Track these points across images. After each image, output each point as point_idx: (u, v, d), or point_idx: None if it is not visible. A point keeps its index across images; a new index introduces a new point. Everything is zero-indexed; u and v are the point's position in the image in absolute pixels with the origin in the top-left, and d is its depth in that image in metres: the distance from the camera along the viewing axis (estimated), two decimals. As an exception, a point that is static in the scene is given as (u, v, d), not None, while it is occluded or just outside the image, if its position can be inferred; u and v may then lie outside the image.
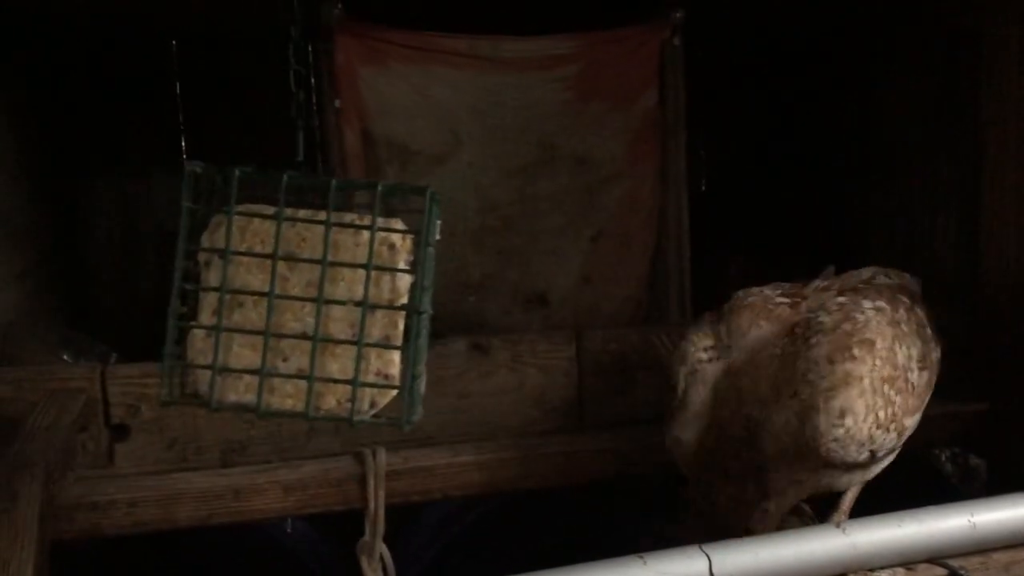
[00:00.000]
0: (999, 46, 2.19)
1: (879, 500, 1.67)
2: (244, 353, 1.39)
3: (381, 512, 1.88)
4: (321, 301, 1.35)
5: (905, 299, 1.77)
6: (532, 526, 2.39)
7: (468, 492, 2.06)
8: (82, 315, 2.92)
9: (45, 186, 2.73)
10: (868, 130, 2.90)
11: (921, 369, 1.68)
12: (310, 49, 2.65)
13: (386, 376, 1.36)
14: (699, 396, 1.65)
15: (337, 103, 2.38)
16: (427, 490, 2.01)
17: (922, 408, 1.69)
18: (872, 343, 1.59)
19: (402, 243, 1.36)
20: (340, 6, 2.28)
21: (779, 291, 1.75)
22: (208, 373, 1.40)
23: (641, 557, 1.39)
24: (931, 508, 1.55)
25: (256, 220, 1.38)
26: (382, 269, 1.35)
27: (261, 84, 3.16)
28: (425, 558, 2.40)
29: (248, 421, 2.06)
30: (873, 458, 1.60)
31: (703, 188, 3.45)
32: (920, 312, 1.78)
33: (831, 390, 1.53)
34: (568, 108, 2.56)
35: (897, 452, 1.69)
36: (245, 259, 1.38)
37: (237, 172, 1.37)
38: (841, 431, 1.52)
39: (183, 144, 3.18)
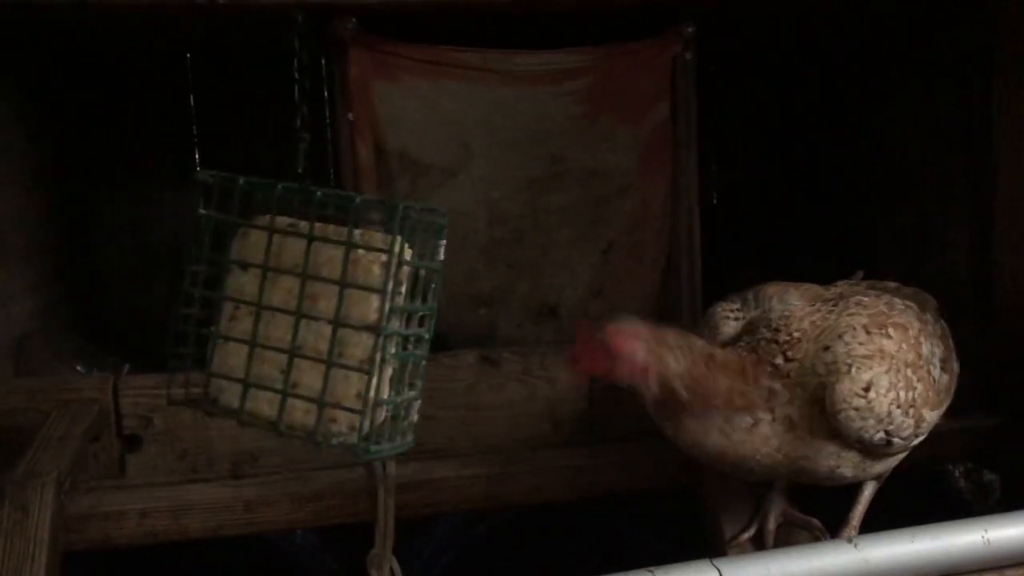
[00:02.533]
0: (1011, 62, 2.19)
1: (891, 515, 1.66)
2: (235, 359, 1.39)
3: (391, 524, 1.87)
4: (299, 315, 1.33)
5: (932, 310, 1.83)
6: (541, 539, 2.38)
7: (477, 505, 2.06)
8: (95, 326, 2.94)
9: (59, 199, 2.75)
10: (880, 144, 2.90)
11: (943, 370, 1.71)
12: (323, 63, 2.67)
13: (364, 400, 1.30)
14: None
15: (350, 116, 2.39)
16: (437, 503, 2.01)
17: (940, 408, 1.70)
18: (905, 328, 1.64)
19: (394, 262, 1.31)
20: (354, 20, 2.29)
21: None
22: (220, 380, 1.40)
23: (651, 571, 1.38)
24: (944, 524, 1.54)
25: (268, 232, 1.37)
26: (354, 287, 1.30)
27: (274, 98, 3.19)
28: (435, 571, 2.40)
29: (258, 432, 2.06)
30: (889, 443, 1.59)
31: (714, 201, 3.46)
32: (944, 324, 1.83)
33: (864, 359, 1.55)
34: (579, 121, 2.56)
35: (908, 450, 1.69)
36: (255, 270, 1.38)
37: (241, 181, 1.37)
38: (863, 401, 1.53)
39: (197, 157, 3.20)
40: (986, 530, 1.52)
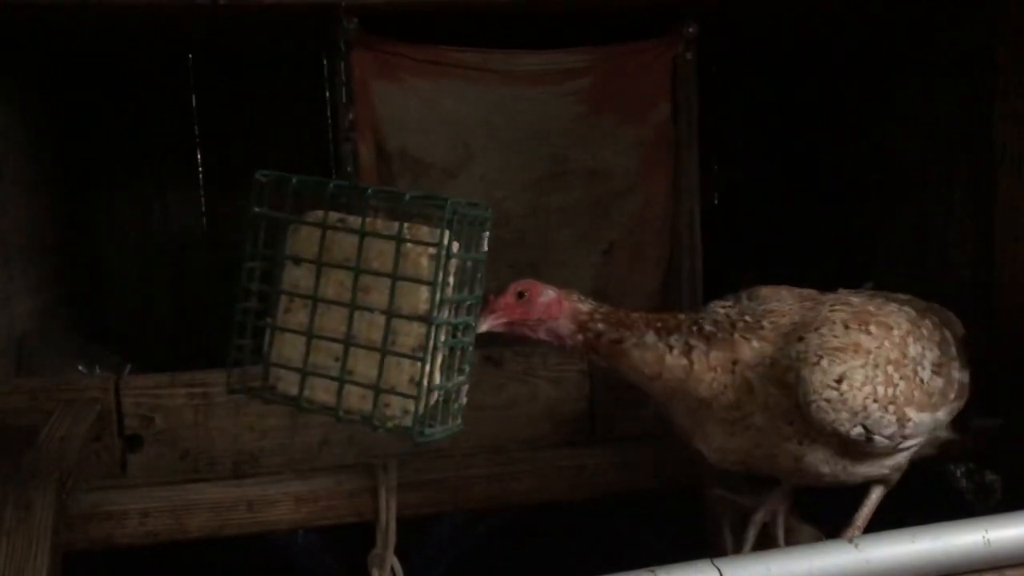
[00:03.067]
0: (1012, 63, 2.19)
1: (893, 515, 1.66)
2: (291, 349, 1.44)
3: (392, 524, 1.88)
4: (353, 307, 1.39)
5: (935, 318, 1.81)
6: (543, 539, 2.38)
7: (479, 505, 2.06)
8: (97, 326, 2.94)
9: (62, 199, 2.75)
10: (881, 145, 2.90)
11: (935, 374, 1.70)
12: (324, 63, 2.68)
13: (418, 385, 1.37)
14: None
15: (351, 116, 2.40)
16: (438, 502, 2.01)
17: (933, 411, 1.69)
18: (889, 327, 1.64)
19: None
20: (355, 21, 2.30)
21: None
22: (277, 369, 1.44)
23: (652, 571, 1.38)
24: (945, 524, 1.53)
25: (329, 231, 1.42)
26: (405, 279, 1.37)
27: (275, 98, 3.20)
28: (436, 570, 2.40)
29: (260, 432, 2.07)
30: (869, 440, 1.59)
31: (715, 201, 3.46)
32: (947, 333, 1.81)
33: (836, 351, 1.56)
34: (581, 121, 2.57)
35: (906, 450, 1.68)
36: (308, 264, 1.43)
37: (294, 180, 1.42)
38: (835, 393, 1.54)
39: (199, 158, 3.20)
40: (987, 530, 1.51)
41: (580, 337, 1.63)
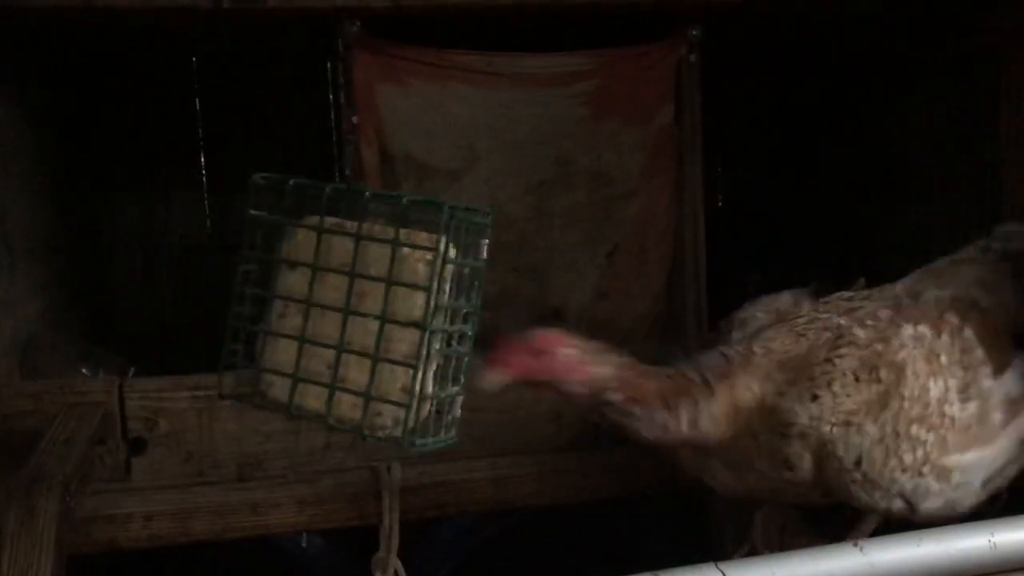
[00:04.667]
0: (1016, 65, 2.18)
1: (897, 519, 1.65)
2: (284, 355, 1.43)
3: (396, 527, 1.88)
4: (347, 312, 1.37)
5: (955, 319, 1.64)
6: (546, 542, 2.38)
7: (483, 508, 2.06)
8: (102, 329, 2.95)
9: (67, 201, 2.76)
10: (886, 147, 2.89)
11: (964, 400, 1.56)
12: (328, 66, 2.68)
13: (410, 394, 1.35)
14: None
15: (354, 119, 2.40)
16: (442, 505, 2.01)
17: (980, 445, 1.55)
18: (902, 370, 1.51)
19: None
20: (358, 23, 2.30)
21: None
22: (269, 375, 1.43)
23: (655, 574, 1.38)
24: (950, 527, 1.52)
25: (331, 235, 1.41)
26: (400, 284, 1.35)
27: (280, 101, 3.20)
28: (439, 573, 2.40)
29: (264, 435, 2.07)
30: (912, 509, 1.50)
31: (720, 204, 3.45)
32: (969, 332, 1.63)
33: (852, 415, 1.47)
34: (584, 124, 2.56)
35: (972, 497, 1.57)
36: (304, 268, 1.42)
37: (291, 183, 1.41)
38: (858, 475, 1.48)
39: (203, 160, 3.21)
40: (992, 534, 1.50)
41: (587, 402, 1.52)
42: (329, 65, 2.67)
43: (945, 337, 1.60)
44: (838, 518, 1.73)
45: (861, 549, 1.48)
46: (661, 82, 2.55)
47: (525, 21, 2.43)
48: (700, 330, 2.58)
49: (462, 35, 2.44)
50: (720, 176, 3.40)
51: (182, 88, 3.15)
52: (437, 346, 1.37)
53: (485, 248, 1.42)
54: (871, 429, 1.47)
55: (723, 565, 1.41)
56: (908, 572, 1.48)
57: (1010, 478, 1.63)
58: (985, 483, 1.59)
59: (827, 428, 1.46)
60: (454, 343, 1.41)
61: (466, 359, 1.42)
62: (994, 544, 1.49)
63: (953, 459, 1.53)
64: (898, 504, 1.51)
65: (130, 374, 2.31)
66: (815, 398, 1.48)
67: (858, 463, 1.47)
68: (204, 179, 3.20)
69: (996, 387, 1.61)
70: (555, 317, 2.64)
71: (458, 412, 1.44)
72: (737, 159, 3.44)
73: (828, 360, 1.51)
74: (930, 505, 1.53)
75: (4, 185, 2.23)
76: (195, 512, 1.90)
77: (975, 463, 1.56)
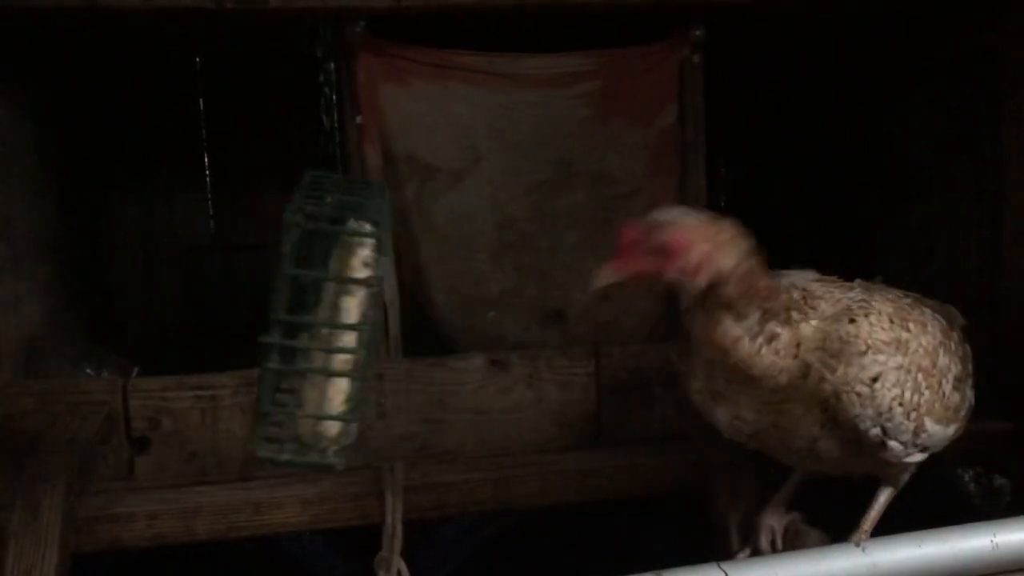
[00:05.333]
0: (1017, 65, 2.18)
1: (900, 520, 1.65)
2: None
3: (399, 527, 1.88)
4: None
5: (959, 333, 1.81)
6: (549, 542, 2.38)
7: (485, 508, 2.06)
8: (105, 329, 2.95)
9: (70, 202, 2.76)
10: (888, 146, 2.89)
11: (956, 389, 1.70)
12: (332, 67, 2.68)
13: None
14: None
15: (358, 120, 2.40)
16: (444, 505, 2.01)
17: (946, 427, 1.67)
18: (925, 326, 1.65)
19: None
20: (362, 24, 2.30)
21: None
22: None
23: (658, 574, 1.38)
24: (953, 528, 1.53)
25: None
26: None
27: (283, 101, 3.20)
28: (441, 573, 2.40)
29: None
30: (883, 444, 1.57)
31: (722, 205, 3.45)
32: (968, 349, 1.82)
33: (883, 344, 1.55)
34: (587, 125, 2.56)
35: (910, 462, 1.66)
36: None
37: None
38: (867, 389, 1.53)
39: (206, 161, 3.21)
40: (995, 534, 1.51)
41: (697, 294, 1.50)
42: (332, 66, 2.68)
43: (955, 334, 1.77)
44: (841, 521, 1.73)
45: (863, 549, 1.49)
46: (664, 82, 2.55)
47: (526, 21, 2.43)
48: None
49: (464, 36, 2.44)
50: (722, 177, 3.40)
51: (184, 88, 3.15)
52: (272, 360, 1.36)
53: (358, 260, 1.37)
54: (893, 360, 1.56)
55: (726, 565, 1.41)
56: (910, 572, 1.48)
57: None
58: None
59: (862, 345, 1.54)
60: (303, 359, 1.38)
61: (344, 381, 1.40)
62: (996, 544, 1.50)
63: (930, 423, 1.62)
64: (875, 432, 1.56)
65: (133, 374, 2.31)
66: (852, 321, 1.56)
67: (874, 379, 1.54)
68: (207, 179, 3.20)
69: (971, 399, 1.77)
70: (557, 318, 2.64)
71: (346, 441, 1.43)
72: (739, 160, 3.44)
73: (865, 301, 1.61)
74: (894, 447, 1.59)
75: (6, 186, 2.23)
76: (198, 511, 1.91)
77: (937, 438, 1.66)
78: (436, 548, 2.43)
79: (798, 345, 1.54)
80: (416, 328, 2.49)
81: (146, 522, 1.88)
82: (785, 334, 1.53)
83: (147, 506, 1.90)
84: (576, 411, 2.19)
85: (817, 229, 3.29)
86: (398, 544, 1.86)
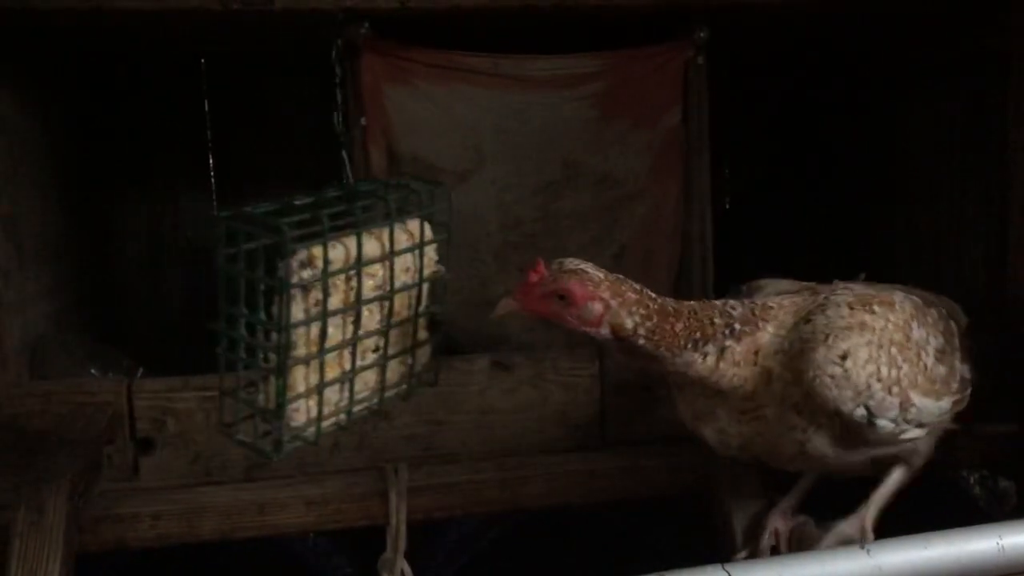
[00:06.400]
0: (1024, 64, 2.18)
1: (906, 522, 1.65)
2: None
3: (403, 528, 1.88)
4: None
5: (942, 309, 1.81)
6: (553, 543, 2.38)
7: (489, 509, 2.06)
8: (110, 329, 2.96)
9: (76, 202, 2.77)
10: (894, 147, 2.89)
11: (939, 361, 1.70)
12: (336, 68, 2.68)
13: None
14: None
15: (363, 121, 2.40)
16: (449, 506, 2.02)
17: (937, 399, 1.67)
18: (892, 306, 1.64)
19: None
20: (367, 25, 2.30)
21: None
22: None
23: (661, 575, 1.38)
24: (958, 530, 1.52)
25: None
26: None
27: (288, 102, 3.21)
28: (446, 574, 2.40)
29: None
30: (871, 424, 1.57)
31: (727, 206, 3.45)
32: (952, 325, 1.80)
33: (843, 330, 1.55)
34: (591, 126, 2.56)
35: (908, 439, 1.66)
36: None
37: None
38: (839, 369, 1.53)
39: (211, 161, 3.21)
40: (1001, 536, 1.50)
41: (614, 344, 1.54)
42: (337, 67, 2.68)
43: (933, 311, 1.77)
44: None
45: (868, 551, 1.48)
46: (668, 84, 2.55)
47: (531, 23, 2.43)
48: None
49: (469, 36, 2.44)
50: (727, 178, 3.40)
51: (190, 89, 3.16)
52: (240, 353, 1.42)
53: (291, 267, 1.38)
54: (859, 338, 1.56)
55: (729, 566, 1.41)
56: (915, 575, 1.48)
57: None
58: (930, 431, 1.71)
59: (821, 336, 1.55)
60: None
61: (270, 378, 1.42)
62: (1002, 547, 1.49)
63: (916, 396, 1.62)
64: (859, 412, 1.56)
65: (138, 374, 2.31)
66: (808, 321, 1.59)
67: (844, 357, 1.54)
68: (212, 180, 3.20)
69: (962, 371, 1.77)
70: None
71: (281, 436, 1.45)
72: (744, 161, 3.44)
73: (826, 298, 1.64)
74: (883, 425, 1.59)
75: (14, 186, 2.24)
76: (203, 512, 1.91)
77: (929, 411, 1.66)
78: (441, 549, 2.44)
79: (756, 352, 1.57)
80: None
81: (150, 522, 1.89)
82: (739, 346, 1.55)
83: (151, 506, 1.90)
84: (581, 412, 2.18)
85: (820, 230, 3.29)
86: (402, 545, 1.86)
